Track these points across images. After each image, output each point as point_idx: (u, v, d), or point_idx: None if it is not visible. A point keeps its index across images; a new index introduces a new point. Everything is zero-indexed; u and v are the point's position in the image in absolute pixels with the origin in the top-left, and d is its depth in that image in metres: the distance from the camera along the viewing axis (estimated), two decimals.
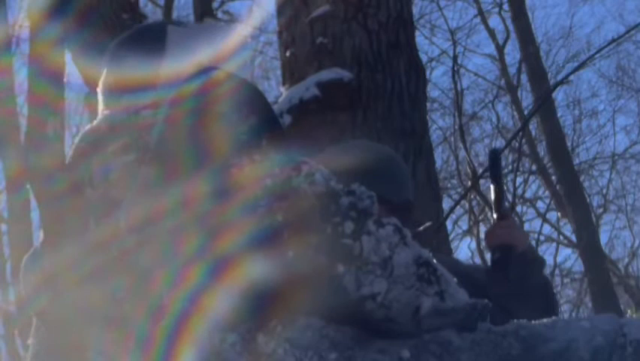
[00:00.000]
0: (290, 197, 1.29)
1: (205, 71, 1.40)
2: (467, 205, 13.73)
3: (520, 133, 8.80)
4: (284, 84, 3.33)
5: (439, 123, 13.50)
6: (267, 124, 1.41)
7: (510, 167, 14.13)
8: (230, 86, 1.39)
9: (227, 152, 1.32)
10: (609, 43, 7.61)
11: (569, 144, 12.50)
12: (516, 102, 13.03)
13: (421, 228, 2.13)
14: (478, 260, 13.02)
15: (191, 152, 1.32)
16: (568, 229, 13.79)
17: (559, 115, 11.95)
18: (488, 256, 2.10)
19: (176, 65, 1.43)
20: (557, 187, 11.42)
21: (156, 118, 1.35)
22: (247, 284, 1.27)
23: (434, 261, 1.35)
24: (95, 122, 1.46)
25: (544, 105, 9.61)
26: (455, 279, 1.37)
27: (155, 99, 1.39)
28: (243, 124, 1.35)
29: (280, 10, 3.38)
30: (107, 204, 1.34)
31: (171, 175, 1.31)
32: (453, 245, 12.78)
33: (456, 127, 10.77)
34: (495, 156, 2.06)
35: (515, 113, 13.63)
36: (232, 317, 1.28)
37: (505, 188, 2.05)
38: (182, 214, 1.29)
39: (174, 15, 9.20)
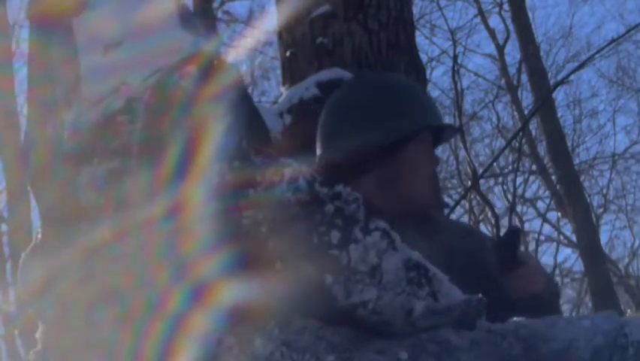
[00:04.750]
0: (274, 207, 1.27)
1: (176, 68, 1.35)
2: (467, 205, 13.72)
3: (520, 133, 8.78)
4: (284, 84, 3.32)
5: None
6: (246, 121, 1.37)
7: (510, 167, 14.13)
8: (204, 82, 1.34)
9: (207, 158, 1.29)
10: (609, 44, 7.61)
11: (569, 144, 12.49)
12: (516, 102, 13.03)
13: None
14: None
15: (174, 159, 1.29)
16: (568, 229, 13.79)
17: (559, 115, 11.95)
18: None
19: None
20: (557, 187, 11.41)
21: (134, 124, 1.33)
22: (233, 294, 1.26)
23: (425, 262, 1.33)
24: (74, 128, 1.41)
25: (544, 105, 9.60)
26: (448, 277, 1.36)
27: (126, 102, 1.35)
28: (220, 125, 1.32)
29: (280, 10, 3.37)
30: (96, 209, 1.33)
31: (154, 183, 1.29)
32: None
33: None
34: (515, 235, 1.87)
35: (515, 113, 13.62)
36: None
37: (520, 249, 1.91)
38: (167, 223, 1.27)
39: None
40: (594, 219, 12.70)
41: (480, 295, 1.36)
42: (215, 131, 1.31)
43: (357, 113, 1.88)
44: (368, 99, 1.90)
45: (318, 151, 1.94)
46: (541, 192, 15.42)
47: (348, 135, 1.87)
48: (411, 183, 1.87)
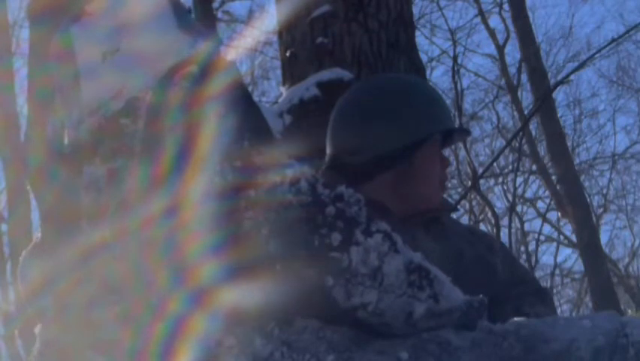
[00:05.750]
0: (275, 209, 1.27)
1: (177, 68, 1.34)
2: (467, 205, 13.73)
3: (520, 133, 8.79)
4: (284, 84, 3.32)
5: None
6: (248, 120, 1.36)
7: (510, 167, 14.14)
8: (205, 81, 1.33)
9: (209, 158, 1.28)
10: (609, 43, 7.60)
11: (569, 144, 12.50)
12: (516, 102, 13.03)
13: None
14: None
15: (174, 159, 1.28)
16: (568, 229, 13.81)
17: (559, 115, 11.95)
18: None
19: None
20: (557, 187, 11.42)
21: (136, 125, 1.32)
22: (234, 297, 1.25)
23: (426, 264, 1.33)
24: (74, 132, 1.41)
25: (545, 105, 9.61)
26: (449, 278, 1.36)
27: (127, 102, 1.34)
28: (221, 125, 1.31)
29: (280, 10, 3.37)
30: (97, 209, 1.33)
31: (154, 183, 1.28)
32: None
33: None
34: None
35: (515, 113, 13.63)
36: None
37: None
38: (167, 223, 1.27)
39: None
40: (594, 219, 12.71)
41: (481, 295, 1.36)
42: (217, 131, 1.30)
43: (372, 114, 1.86)
44: (384, 100, 1.88)
45: (329, 150, 1.93)
46: (541, 192, 15.45)
47: (363, 136, 1.85)
48: (424, 185, 1.87)
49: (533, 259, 14.34)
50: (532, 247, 15.04)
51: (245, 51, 10.73)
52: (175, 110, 1.31)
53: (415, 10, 9.25)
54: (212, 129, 1.30)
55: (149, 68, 1.34)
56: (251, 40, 10.86)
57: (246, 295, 1.26)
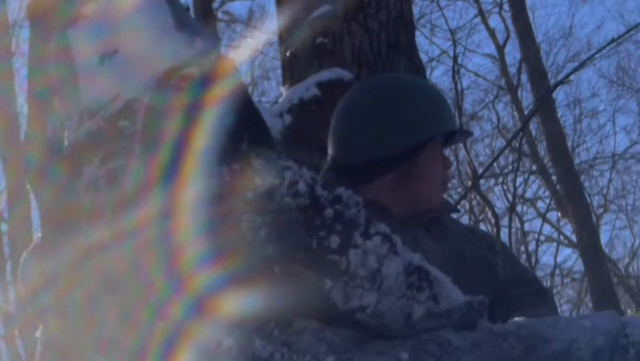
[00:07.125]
0: (273, 211, 1.26)
1: (177, 69, 1.33)
2: (467, 205, 13.72)
3: (520, 133, 8.79)
4: (284, 84, 3.32)
5: None
6: (246, 122, 1.35)
7: (510, 167, 14.14)
8: (207, 85, 1.32)
9: (208, 159, 1.28)
10: (609, 43, 7.61)
11: (569, 143, 12.50)
12: (516, 102, 13.03)
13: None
14: None
15: (173, 160, 1.28)
16: (568, 229, 13.81)
17: (559, 115, 11.95)
18: None
19: None
20: (557, 187, 11.42)
21: (135, 126, 1.32)
22: (235, 302, 1.25)
23: (426, 265, 1.32)
24: (74, 134, 1.40)
25: (545, 105, 9.60)
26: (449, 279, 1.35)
27: (126, 103, 1.33)
28: (221, 125, 1.30)
29: (280, 11, 3.37)
30: (97, 210, 1.32)
31: (153, 186, 1.27)
32: None
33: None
34: None
35: (515, 113, 13.63)
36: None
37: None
38: (164, 225, 1.26)
39: None
40: (594, 219, 12.71)
41: (482, 296, 1.36)
42: (215, 132, 1.30)
43: (373, 114, 1.85)
44: (385, 101, 1.87)
45: (330, 151, 1.93)
46: (541, 192, 15.45)
47: (364, 137, 1.85)
48: (425, 186, 1.86)
49: (533, 259, 14.34)
50: (532, 247, 15.05)
51: (245, 52, 10.73)
52: (174, 111, 1.31)
53: (415, 10, 9.25)
54: (211, 131, 1.30)
55: (148, 69, 1.34)
56: (251, 40, 10.86)
57: (245, 299, 1.26)
